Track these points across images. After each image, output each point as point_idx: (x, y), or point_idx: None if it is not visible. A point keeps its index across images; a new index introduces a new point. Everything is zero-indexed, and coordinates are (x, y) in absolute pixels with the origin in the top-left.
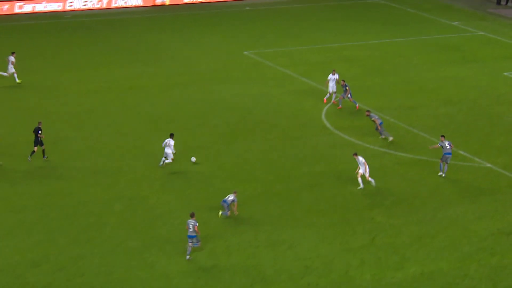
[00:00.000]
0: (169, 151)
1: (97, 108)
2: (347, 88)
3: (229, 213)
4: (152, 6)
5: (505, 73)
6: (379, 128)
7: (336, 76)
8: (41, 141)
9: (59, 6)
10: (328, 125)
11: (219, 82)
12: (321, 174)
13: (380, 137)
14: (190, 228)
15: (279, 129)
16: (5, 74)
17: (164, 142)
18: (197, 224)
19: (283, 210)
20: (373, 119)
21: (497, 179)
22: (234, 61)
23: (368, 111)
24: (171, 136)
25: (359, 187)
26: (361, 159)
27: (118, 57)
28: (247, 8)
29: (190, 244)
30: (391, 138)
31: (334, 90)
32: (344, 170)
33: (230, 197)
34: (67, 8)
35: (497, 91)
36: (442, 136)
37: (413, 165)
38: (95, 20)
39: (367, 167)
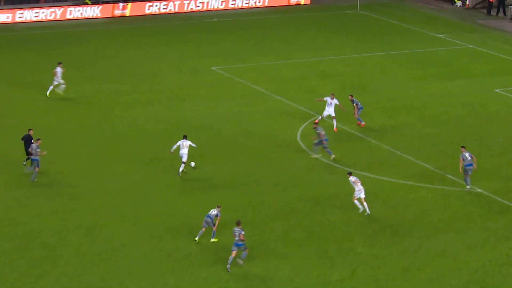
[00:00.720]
0: (185, 151)
1: (52, 128)
2: (357, 104)
3: (215, 228)
4: (111, 17)
5: (496, 90)
6: (324, 143)
7: (336, 101)
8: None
9: (8, 17)
10: (304, 146)
11: (185, 100)
12: (297, 200)
13: (323, 150)
14: (236, 237)
15: (250, 151)
16: (61, 86)
17: (179, 143)
18: (243, 233)
19: (254, 240)
20: (318, 131)
21: (488, 205)
22: (201, 77)
23: (316, 123)
24: (185, 137)
25: (360, 211)
26: (352, 179)
27: (74, 73)
28: (215, 19)
29: (234, 252)
30: (333, 156)
31: (333, 115)
32: (322, 196)
33: (214, 212)
34: (17, 19)
35: (487, 109)
36: (463, 147)
37: (397, 190)
38: (48, 32)
39: (360, 187)
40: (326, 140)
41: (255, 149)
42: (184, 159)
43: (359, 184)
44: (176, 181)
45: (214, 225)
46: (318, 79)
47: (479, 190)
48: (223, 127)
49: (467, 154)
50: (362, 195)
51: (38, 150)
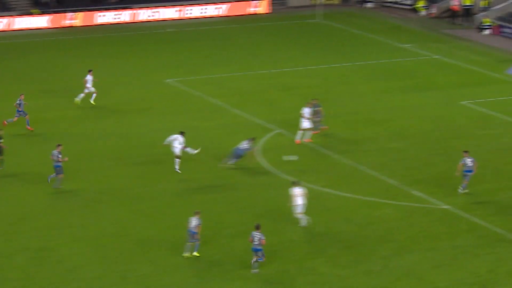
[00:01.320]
0: (178, 146)
1: None
2: (319, 109)
3: (197, 238)
4: (59, 27)
5: (463, 102)
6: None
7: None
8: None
9: None
10: (264, 162)
11: (138, 115)
12: (256, 219)
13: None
14: (255, 241)
15: (207, 168)
16: (93, 94)
17: (171, 138)
18: (264, 238)
19: (211, 261)
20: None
21: (456, 222)
22: (154, 90)
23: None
24: (182, 133)
25: (301, 225)
26: (296, 191)
27: (19, 86)
28: (169, 29)
29: (254, 258)
30: (230, 163)
31: (314, 126)
32: (282, 214)
33: (194, 222)
34: None
35: (454, 122)
36: (465, 151)
37: (361, 207)
38: None
39: (299, 200)
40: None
41: (211, 165)
42: (177, 152)
43: (301, 198)
44: (127, 199)
45: (196, 237)
46: (278, 91)
47: (446, 206)
48: None
49: (468, 160)
50: (300, 210)
51: (60, 156)
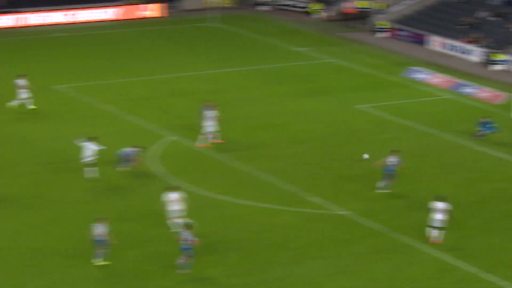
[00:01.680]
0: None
1: None
2: (212, 113)
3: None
4: None
5: (360, 106)
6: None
7: (214, 114)
8: None
9: None
10: (159, 170)
11: (25, 122)
12: (150, 228)
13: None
14: (185, 241)
15: (100, 177)
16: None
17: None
18: (196, 239)
19: (104, 272)
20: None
21: (354, 228)
22: (42, 97)
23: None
24: (92, 139)
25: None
26: (171, 196)
27: None
28: (57, 34)
29: (182, 258)
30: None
31: (215, 129)
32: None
33: (99, 229)
34: None
35: (351, 126)
36: (394, 151)
37: (258, 215)
38: None
39: (175, 206)
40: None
41: (104, 174)
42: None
43: (177, 203)
44: (16, 210)
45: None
46: (173, 97)
47: (344, 212)
48: (68, 151)
49: (391, 158)
50: (175, 215)
51: None
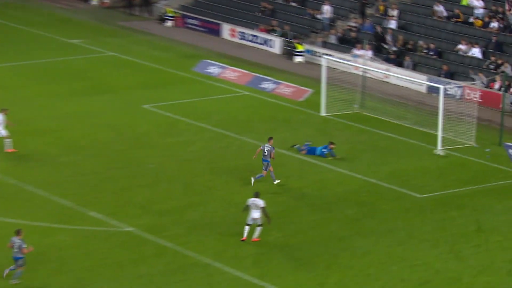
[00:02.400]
0: None
1: None
2: None
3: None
4: None
5: (145, 106)
6: None
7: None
8: None
9: None
10: None
11: None
12: None
13: None
14: (15, 248)
15: None
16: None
17: None
18: (25, 246)
19: None
20: None
21: (141, 246)
22: None
23: None
24: None
25: None
26: None
27: None
28: None
29: (13, 267)
30: None
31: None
32: None
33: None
34: None
35: (136, 130)
36: (271, 138)
37: (30, 234)
38: None
39: None
40: None
41: None
42: None
43: None
44: None
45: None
46: None
47: (129, 228)
48: None
49: (265, 148)
50: None
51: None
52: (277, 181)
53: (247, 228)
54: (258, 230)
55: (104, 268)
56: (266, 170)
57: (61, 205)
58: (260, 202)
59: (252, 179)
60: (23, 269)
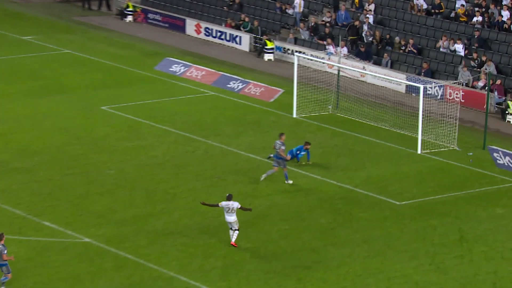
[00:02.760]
0: None
1: None
2: None
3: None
4: None
5: (103, 107)
6: None
7: None
8: None
9: None
10: None
11: None
12: None
13: None
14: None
15: None
16: None
17: None
18: (5, 252)
19: None
20: None
21: (100, 259)
22: None
23: None
24: None
25: None
26: None
27: None
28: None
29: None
30: None
31: None
32: None
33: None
34: None
35: (94, 133)
36: (282, 134)
37: None
38: None
39: None
40: None
41: None
42: None
43: None
44: None
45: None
46: None
47: (87, 239)
48: None
49: (277, 144)
50: None
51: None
52: (289, 182)
53: (231, 232)
54: (235, 234)
55: (59, 282)
56: (277, 166)
57: (13, 214)
58: (235, 204)
59: (263, 176)
60: (10, 276)
